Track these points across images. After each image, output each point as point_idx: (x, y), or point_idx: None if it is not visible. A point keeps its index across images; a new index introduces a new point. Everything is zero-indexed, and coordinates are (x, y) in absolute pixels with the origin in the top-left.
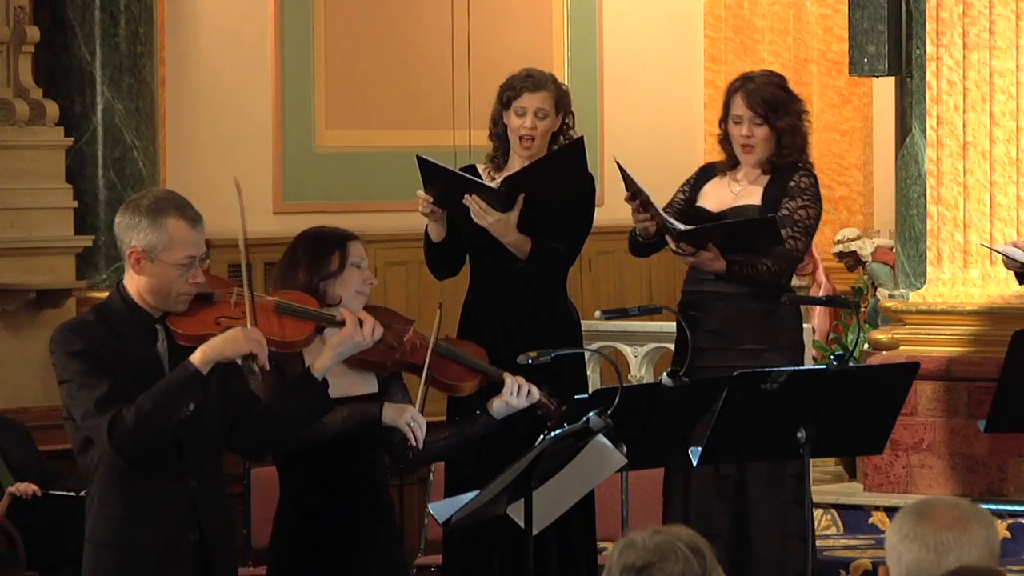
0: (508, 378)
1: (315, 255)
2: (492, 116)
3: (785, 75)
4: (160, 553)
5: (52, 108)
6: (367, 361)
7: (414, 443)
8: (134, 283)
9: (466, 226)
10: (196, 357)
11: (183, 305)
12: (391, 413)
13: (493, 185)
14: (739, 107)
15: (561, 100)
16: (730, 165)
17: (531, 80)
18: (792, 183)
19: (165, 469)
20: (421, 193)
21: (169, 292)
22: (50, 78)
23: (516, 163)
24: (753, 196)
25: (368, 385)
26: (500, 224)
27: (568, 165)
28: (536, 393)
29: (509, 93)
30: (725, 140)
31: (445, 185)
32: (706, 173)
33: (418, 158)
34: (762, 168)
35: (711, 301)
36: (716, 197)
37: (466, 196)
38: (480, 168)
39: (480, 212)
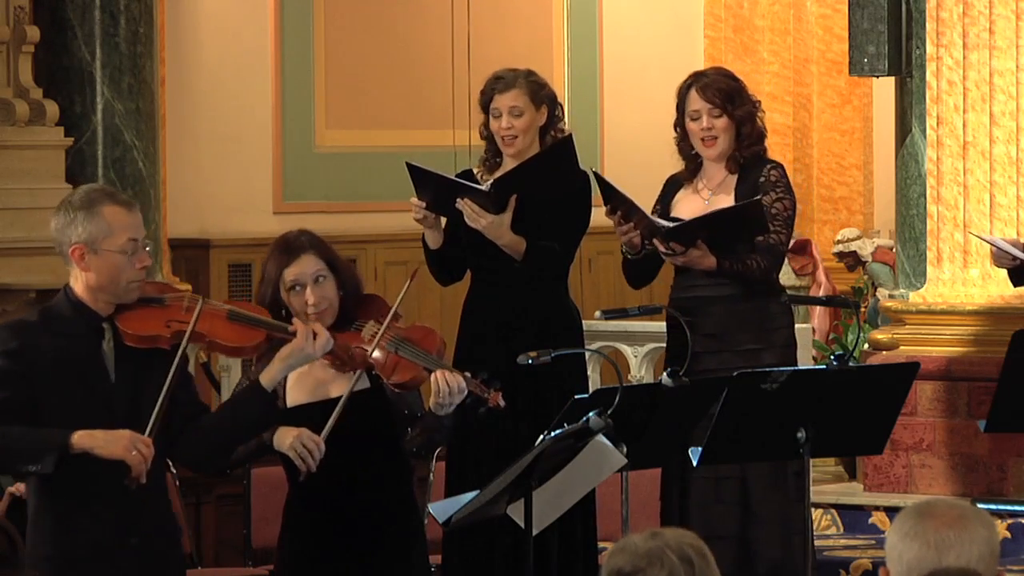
0: (433, 377)
1: (263, 286)
2: (482, 122)
3: (785, 75)
4: (98, 561)
5: (52, 108)
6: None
7: (304, 470)
8: (80, 282)
9: (463, 228)
10: (76, 436)
11: (135, 293)
12: (280, 438)
13: (483, 187)
14: (695, 102)
15: (536, 94)
16: (691, 172)
17: (501, 81)
18: (762, 178)
19: (101, 476)
20: (414, 200)
21: (119, 281)
22: (50, 78)
23: (508, 164)
24: (726, 200)
25: (360, 382)
26: (493, 226)
27: (557, 163)
28: (464, 384)
29: (484, 98)
30: (683, 141)
31: (437, 190)
32: (672, 186)
33: (408, 165)
34: (728, 168)
35: (703, 305)
36: (689, 208)
37: (458, 200)
38: (475, 171)
39: (473, 215)
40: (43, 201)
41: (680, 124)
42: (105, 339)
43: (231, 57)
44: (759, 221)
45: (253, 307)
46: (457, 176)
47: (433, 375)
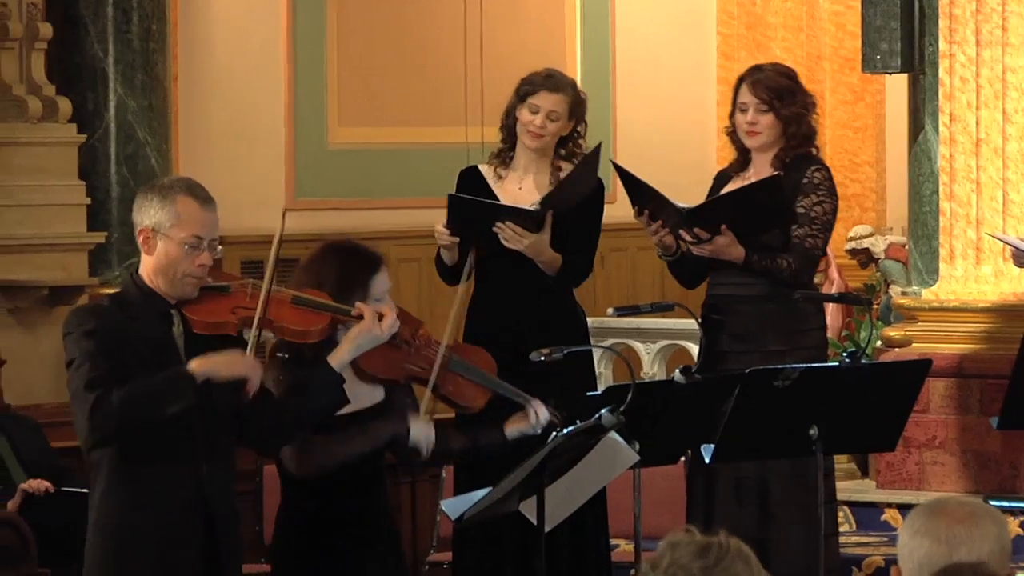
0: (531, 408)
1: (340, 288)
2: (507, 107)
3: (798, 72)
4: (163, 539)
5: (65, 105)
6: (380, 378)
7: (425, 455)
8: (146, 267)
9: (478, 238)
10: (194, 364)
11: (191, 290)
12: (418, 432)
13: (532, 208)
14: (745, 95)
15: (576, 107)
16: (741, 164)
17: (551, 80)
18: (805, 179)
19: (173, 455)
20: (440, 228)
21: (175, 272)
22: (63, 75)
23: (522, 158)
24: None
25: (375, 395)
26: (535, 245)
27: (591, 174)
28: (549, 416)
29: (527, 88)
30: (734, 132)
31: (474, 217)
32: (720, 181)
33: (451, 197)
34: (773, 165)
35: (732, 304)
36: None
37: (497, 224)
38: (483, 168)
39: (515, 237)
40: (55, 198)
41: (732, 115)
42: (174, 325)
43: (243, 54)
44: (780, 200)
45: (315, 292)
46: (463, 172)
47: (531, 408)
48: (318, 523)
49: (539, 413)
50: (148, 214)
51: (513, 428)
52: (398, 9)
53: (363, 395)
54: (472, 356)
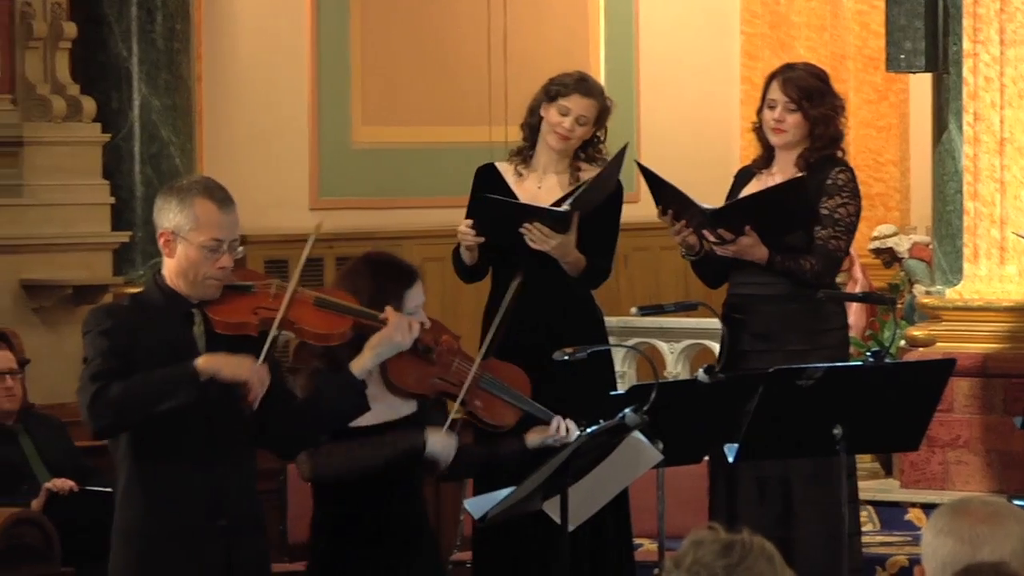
0: (554, 421)
1: (373, 300)
2: (531, 106)
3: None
4: (185, 541)
5: (89, 104)
6: (409, 391)
7: (443, 469)
8: (168, 268)
9: (493, 234)
10: (200, 361)
11: (213, 292)
12: (435, 445)
13: (563, 209)
14: (775, 92)
15: (602, 114)
16: (764, 161)
17: (584, 85)
18: (829, 180)
19: (192, 456)
20: (463, 228)
21: (196, 275)
22: (87, 74)
23: (542, 157)
24: None
25: (405, 408)
26: (561, 247)
27: (616, 176)
28: (575, 430)
29: (559, 88)
30: (759, 129)
31: (501, 217)
32: (742, 177)
33: (486, 198)
34: (797, 165)
35: (754, 303)
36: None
37: (524, 224)
38: (500, 166)
39: (542, 238)
40: (80, 197)
41: (760, 111)
42: (195, 324)
43: (267, 53)
44: (804, 201)
45: (341, 294)
46: (480, 170)
47: (557, 422)
48: (356, 525)
49: (566, 428)
50: (167, 217)
51: (535, 438)
52: (422, 8)
53: (394, 407)
54: (505, 374)
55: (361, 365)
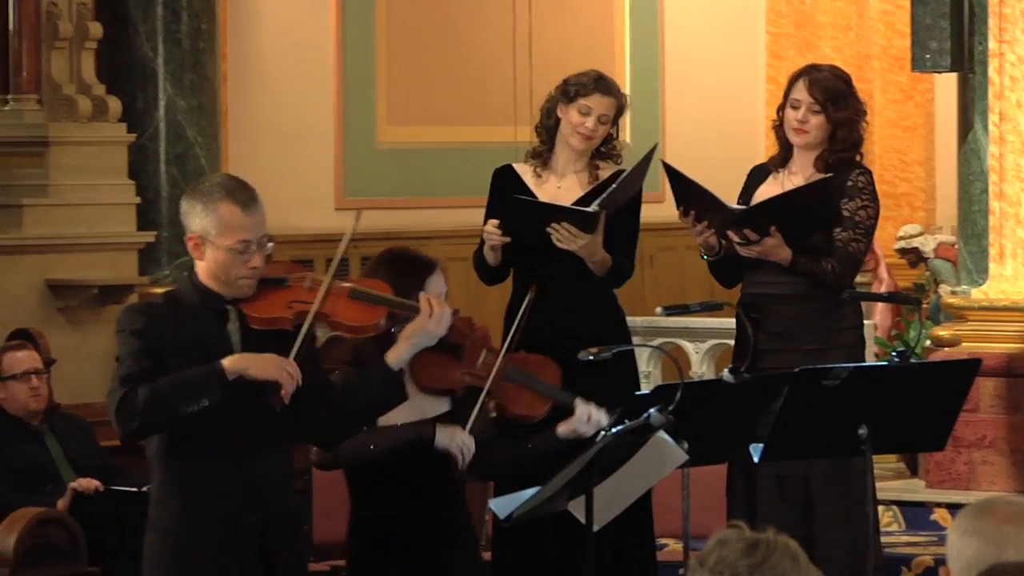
0: (580, 406)
1: (396, 290)
2: (547, 107)
3: (847, 71)
4: (222, 536)
5: (115, 104)
6: (436, 388)
7: (461, 466)
8: (200, 268)
9: (519, 235)
10: (227, 361)
11: (247, 290)
12: (444, 437)
13: (592, 209)
14: (800, 92)
15: (619, 114)
16: (782, 160)
17: (603, 83)
18: (850, 182)
19: (227, 452)
20: (489, 228)
21: (228, 276)
22: (113, 74)
23: (562, 158)
24: None
25: (438, 406)
26: (589, 246)
27: (643, 176)
28: (604, 419)
29: (578, 88)
30: (781, 127)
31: (529, 218)
32: (757, 175)
33: (514, 199)
34: (815, 166)
35: (771, 302)
36: (769, 194)
37: (552, 224)
38: (518, 167)
39: (570, 237)
40: (105, 197)
41: (782, 109)
42: (230, 320)
43: (293, 53)
44: (830, 202)
45: (376, 283)
46: (497, 172)
47: (581, 405)
48: (394, 526)
49: (589, 414)
50: (194, 221)
51: (566, 429)
52: (447, 8)
53: (426, 408)
54: (534, 363)
55: (396, 356)
